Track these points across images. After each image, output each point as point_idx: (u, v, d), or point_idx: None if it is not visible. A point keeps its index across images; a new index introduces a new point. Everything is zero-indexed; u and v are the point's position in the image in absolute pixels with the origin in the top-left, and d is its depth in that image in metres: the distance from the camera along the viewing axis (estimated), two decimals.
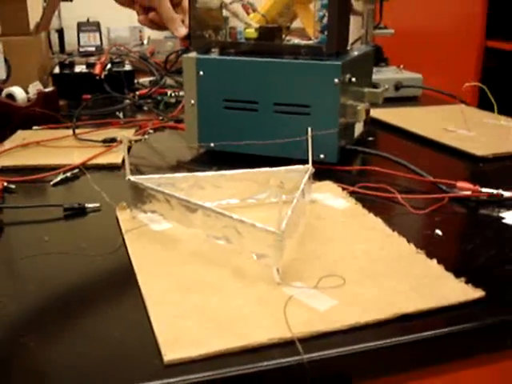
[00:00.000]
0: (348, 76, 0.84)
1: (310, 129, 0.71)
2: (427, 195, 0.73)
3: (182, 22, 0.96)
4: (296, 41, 0.89)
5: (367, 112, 0.99)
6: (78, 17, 2.33)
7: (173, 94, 1.32)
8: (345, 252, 0.58)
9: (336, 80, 0.81)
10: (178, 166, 0.89)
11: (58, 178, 0.79)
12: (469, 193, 0.72)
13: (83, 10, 2.37)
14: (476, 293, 0.50)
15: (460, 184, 0.73)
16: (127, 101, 1.27)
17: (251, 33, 0.88)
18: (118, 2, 0.97)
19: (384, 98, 0.95)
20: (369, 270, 0.54)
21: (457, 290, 0.50)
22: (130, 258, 0.57)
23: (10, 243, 0.64)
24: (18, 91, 1.09)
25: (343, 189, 0.74)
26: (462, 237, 0.66)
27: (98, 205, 0.70)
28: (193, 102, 0.89)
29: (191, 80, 0.89)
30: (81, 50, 2.17)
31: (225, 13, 0.92)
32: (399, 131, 1.07)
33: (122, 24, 2.29)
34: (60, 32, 2.36)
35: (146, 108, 1.25)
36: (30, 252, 0.60)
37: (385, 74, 1.39)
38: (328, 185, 0.76)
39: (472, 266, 0.57)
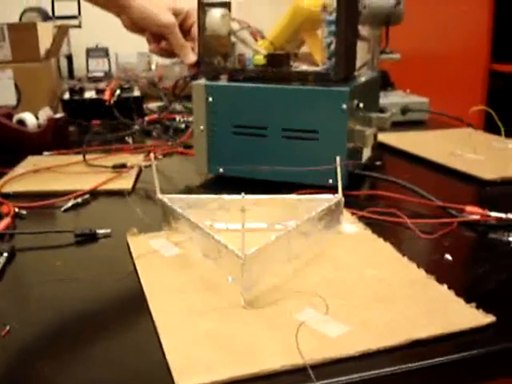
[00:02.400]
0: (356, 102, 0.85)
1: (338, 158, 0.71)
2: (436, 220, 0.74)
3: (192, 49, 0.97)
4: (304, 67, 0.90)
5: (375, 137, 1.00)
6: (87, 43, 2.36)
7: (182, 120, 1.33)
8: (355, 277, 0.58)
9: (344, 106, 0.81)
10: (187, 192, 0.90)
11: (69, 204, 0.80)
12: (478, 217, 0.73)
13: (92, 37, 2.40)
14: (487, 318, 0.50)
15: (469, 208, 0.74)
16: (136, 126, 1.28)
17: (260, 59, 0.89)
18: (128, 28, 0.99)
19: (391, 123, 0.96)
20: (380, 296, 0.54)
21: (468, 316, 0.50)
22: (141, 284, 0.57)
23: (21, 269, 0.64)
24: (28, 117, 1.10)
25: (352, 214, 0.75)
26: (472, 261, 0.66)
27: (108, 231, 0.70)
28: (202, 127, 0.90)
29: (200, 106, 0.90)
30: (89, 75, 2.19)
31: (233, 39, 0.94)
32: (406, 155, 1.08)
33: (131, 50, 2.32)
34: (69, 58, 2.40)
35: (155, 134, 1.26)
36: (42, 278, 0.61)
37: (391, 99, 1.40)
38: None
39: (482, 290, 0.57)
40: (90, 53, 2.34)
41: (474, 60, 2.22)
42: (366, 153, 0.97)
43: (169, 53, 0.99)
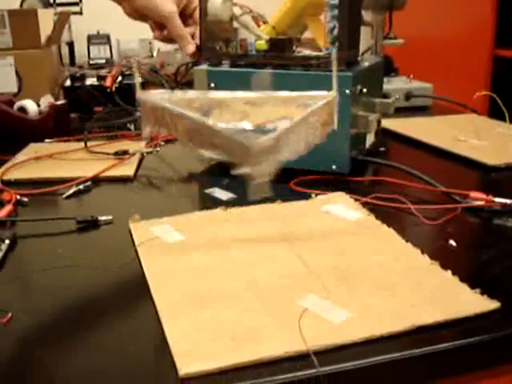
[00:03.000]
0: (359, 87, 0.84)
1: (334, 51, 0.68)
2: (440, 205, 0.73)
3: (193, 36, 0.96)
4: (306, 52, 0.89)
5: (378, 123, 0.99)
6: (88, 30, 2.35)
7: None
8: (359, 264, 0.57)
9: (347, 91, 0.81)
10: (190, 178, 0.90)
11: (71, 191, 0.80)
12: (482, 203, 0.72)
13: (93, 23, 2.38)
14: (492, 304, 0.49)
15: (473, 194, 0.73)
16: (138, 113, 1.27)
17: (262, 44, 0.88)
18: (130, 16, 0.98)
19: (395, 108, 0.95)
20: (383, 282, 0.54)
21: (472, 302, 0.50)
22: (143, 271, 0.57)
23: (23, 256, 0.64)
24: (29, 104, 1.09)
25: (356, 200, 0.74)
26: (476, 247, 0.66)
27: (110, 217, 0.70)
28: None
29: None
30: (91, 62, 2.18)
31: (235, 25, 0.93)
32: (410, 141, 1.07)
33: (132, 36, 2.30)
34: (70, 45, 2.38)
35: None
36: (44, 265, 0.60)
37: (395, 84, 1.39)
38: (340, 196, 0.76)
39: (487, 276, 0.56)
40: (92, 39, 2.32)
41: (477, 45, 2.20)
42: (370, 139, 0.96)
43: (171, 40, 0.98)
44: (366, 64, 0.91)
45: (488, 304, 0.49)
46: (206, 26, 0.90)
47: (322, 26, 0.89)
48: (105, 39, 2.35)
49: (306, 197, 0.76)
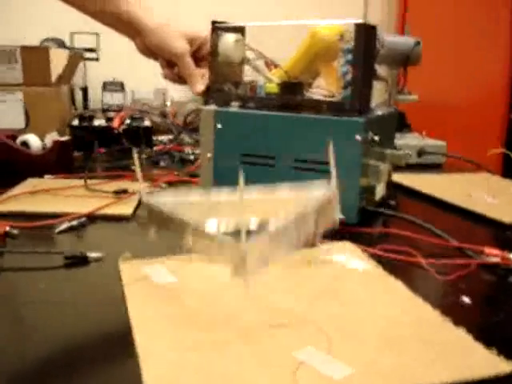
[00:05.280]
0: (371, 134, 0.81)
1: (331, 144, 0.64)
2: (453, 260, 0.68)
3: (203, 76, 0.94)
4: (318, 96, 0.86)
5: (389, 174, 0.96)
6: (104, 76, 2.36)
7: (190, 151, 1.30)
8: (363, 315, 0.53)
9: (358, 137, 0.78)
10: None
11: (64, 226, 0.76)
12: (497, 259, 0.67)
13: (109, 70, 2.40)
14: (508, 366, 0.44)
15: (488, 250, 0.68)
16: (144, 156, 1.25)
17: (272, 87, 0.86)
18: (142, 52, 0.96)
19: (406, 164, 0.92)
20: (389, 336, 0.49)
21: (487, 362, 0.45)
22: (128, 313, 0.52)
23: (5, 288, 0.60)
24: (32, 139, 1.07)
25: (363, 250, 0.70)
26: (492, 305, 0.61)
27: (100, 254, 0.66)
28: (209, 155, 0.86)
29: (209, 133, 0.86)
30: (104, 107, 2.18)
31: (246, 67, 0.91)
32: (421, 196, 1.03)
33: (147, 86, 2.32)
34: (84, 90, 2.39)
35: (162, 164, 1.23)
36: (25, 299, 0.56)
37: (407, 140, 1.36)
38: (347, 246, 0.71)
39: (504, 336, 0.51)
40: (106, 86, 2.33)
41: (492, 106, 2.19)
42: (380, 190, 0.93)
43: (182, 80, 0.96)
44: (379, 113, 0.88)
45: (505, 366, 0.44)
46: (216, 65, 0.88)
47: (335, 72, 0.87)
48: (119, 87, 2.36)
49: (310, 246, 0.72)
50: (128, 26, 0.94)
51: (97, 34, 2.41)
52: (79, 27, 2.23)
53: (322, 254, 0.68)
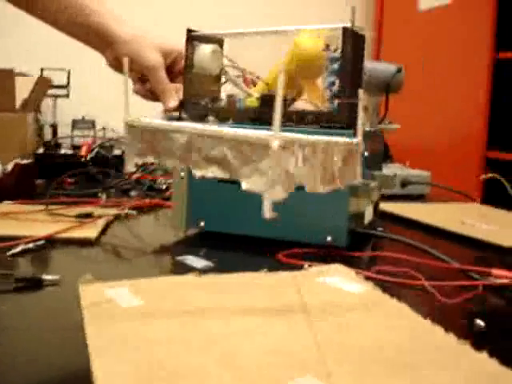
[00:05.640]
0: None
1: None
2: (459, 282, 0.61)
3: (177, 92, 0.87)
4: (301, 107, 0.80)
5: (377, 198, 0.89)
6: (74, 114, 2.29)
7: (163, 181, 1.22)
8: (366, 341, 0.45)
9: None
10: (161, 247, 0.78)
11: (18, 249, 0.67)
12: (507, 281, 0.60)
13: (79, 106, 2.33)
14: None
15: (496, 271, 0.62)
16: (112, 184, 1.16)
17: (252, 102, 0.80)
18: (112, 67, 0.89)
19: (389, 195, 0.86)
20: (400, 362, 0.41)
21: None
22: (85, 339, 0.44)
23: None
24: None
25: (357, 272, 0.62)
26: (507, 327, 0.53)
27: (57, 277, 0.57)
28: (183, 174, 0.79)
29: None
30: (74, 144, 2.11)
31: (223, 79, 0.84)
32: (410, 224, 0.96)
33: (119, 121, 2.25)
34: (54, 127, 2.31)
35: (133, 193, 1.14)
36: None
37: (390, 170, 1.30)
38: (340, 268, 0.64)
39: None
40: (76, 124, 2.26)
41: (469, 146, 2.16)
42: (368, 214, 0.86)
43: (154, 96, 0.89)
44: (367, 129, 0.82)
45: None
46: (191, 78, 0.81)
47: (319, 89, 0.81)
48: (90, 124, 2.29)
49: (298, 269, 0.64)
50: (99, 38, 0.87)
51: (67, 71, 2.35)
52: (50, 63, 2.17)
53: (314, 277, 0.60)
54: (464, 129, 2.19)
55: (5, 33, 2.36)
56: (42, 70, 2.39)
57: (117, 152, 1.30)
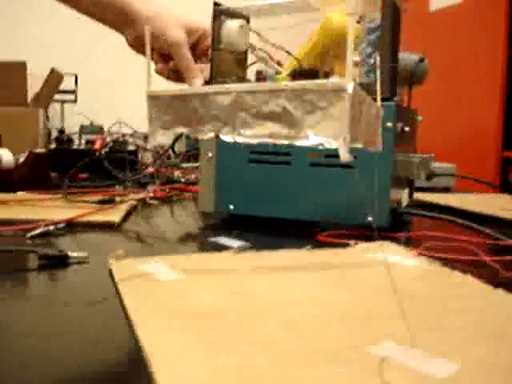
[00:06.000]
0: (401, 124, 0.70)
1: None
2: None
3: (202, 71, 0.82)
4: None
5: (410, 192, 0.85)
6: (82, 120, 2.25)
7: (180, 175, 1.17)
8: (440, 309, 0.40)
9: (389, 124, 0.66)
10: (190, 234, 0.73)
11: (37, 231, 0.62)
12: None
13: (87, 111, 2.30)
14: None
15: None
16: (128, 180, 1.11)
17: (284, 77, 0.75)
18: (133, 47, 0.84)
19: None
20: (485, 329, 0.36)
21: None
22: (126, 311, 0.39)
23: None
24: (4, 153, 0.94)
25: (410, 249, 0.57)
26: None
27: (85, 254, 0.52)
28: (211, 154, 0.74)
29: None
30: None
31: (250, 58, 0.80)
32: (447, 210, 0.91)
33: (127, 128, 2.22)
34: (61, 132, 2.28)
35: (150, 187, 1.09)
36: None
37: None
38: (389, 245, 0.59)
39: None
40: (84, 129, 2.23)
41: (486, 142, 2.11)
42: (405, 198, 0.81)
43: (176, 76, 0.84)
44: (405, 105, 0.77)
45: None
46: (218, 55, 0.77)
47: None
48: (98, 129, 2.26)
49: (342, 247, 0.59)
50: (122, 16, 0.82)
51: (75, 75, 2.31)
52: (59, 68, 2.14)
53: (363, 253, 0.55)
54: (478, 127, 2.15)
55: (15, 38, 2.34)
56: (52, 69, 2.37)
57: (130, 147, 1.26)
